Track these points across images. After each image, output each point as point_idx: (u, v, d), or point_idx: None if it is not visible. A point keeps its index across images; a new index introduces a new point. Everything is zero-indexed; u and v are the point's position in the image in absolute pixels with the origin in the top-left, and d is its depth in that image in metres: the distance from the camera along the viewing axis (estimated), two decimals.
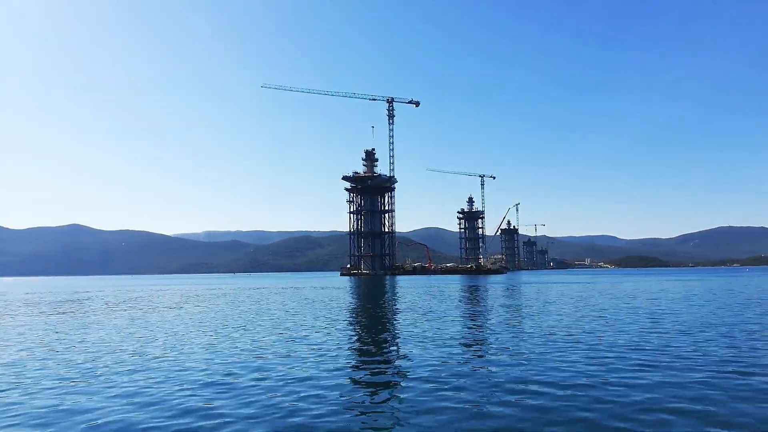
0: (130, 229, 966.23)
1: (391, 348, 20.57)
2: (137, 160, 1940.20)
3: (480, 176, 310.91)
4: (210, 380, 14.85)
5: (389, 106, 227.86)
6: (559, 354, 18.17)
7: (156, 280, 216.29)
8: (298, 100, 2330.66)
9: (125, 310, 43.06)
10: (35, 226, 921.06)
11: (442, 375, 14.92)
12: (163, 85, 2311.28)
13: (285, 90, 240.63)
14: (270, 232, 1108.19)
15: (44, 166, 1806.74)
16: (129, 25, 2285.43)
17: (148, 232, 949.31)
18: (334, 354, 19.07)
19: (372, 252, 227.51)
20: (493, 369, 15.77)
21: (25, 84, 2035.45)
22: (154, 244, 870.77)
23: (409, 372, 15.51)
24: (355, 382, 14.54)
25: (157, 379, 15.12)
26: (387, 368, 16.38)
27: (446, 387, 13.47)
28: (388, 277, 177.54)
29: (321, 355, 18.69)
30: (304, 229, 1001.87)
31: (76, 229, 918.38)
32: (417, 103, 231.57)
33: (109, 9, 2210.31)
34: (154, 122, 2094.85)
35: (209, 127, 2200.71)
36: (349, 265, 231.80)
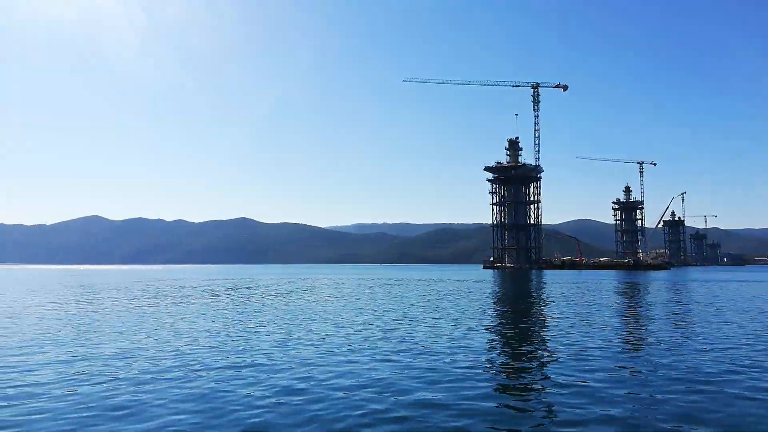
0: (289, 221, 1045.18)
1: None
2: (297, 158, 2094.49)
3: (638, 163, 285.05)
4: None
5: (534, 92, 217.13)
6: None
7: (313, 270, 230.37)
8: (438, 92, 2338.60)
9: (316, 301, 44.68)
10: (210, 219, 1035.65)
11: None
12: (319, 84, 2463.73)
13: (426, 83, 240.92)
14: (415, 224, 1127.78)
15: (217, 168, 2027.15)
16: (292, 30, 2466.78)
17: (305, 225, 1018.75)
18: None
19: (516, 245, 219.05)
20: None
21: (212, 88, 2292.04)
22: (309, 236, 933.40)
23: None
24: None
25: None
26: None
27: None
28: (534, 271, 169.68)
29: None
30: (447, 222, 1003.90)
31: (243, 222, 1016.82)
32: (565, 87, 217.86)
33: (276, 12, 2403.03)
34: (308, 123, 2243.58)
35: (357, 124, 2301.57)
36: (492, 258, 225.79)
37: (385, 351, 19.46)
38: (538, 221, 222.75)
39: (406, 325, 27.28)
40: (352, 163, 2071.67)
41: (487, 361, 17.86)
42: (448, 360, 17.64)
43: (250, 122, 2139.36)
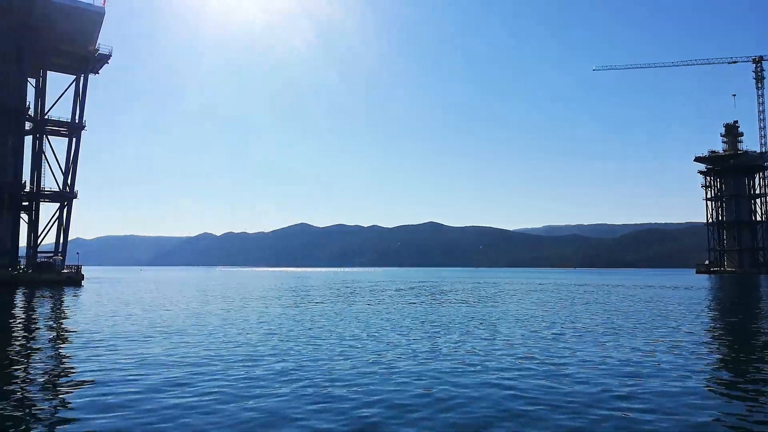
0: (476, 225, 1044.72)
1: None
2: (482, 159, 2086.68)
3: None
4: None
5: (756, 67, 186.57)
6: None
7: (499, 274, 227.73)
8: (632, 78, 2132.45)
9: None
10: (401, 224, 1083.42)
11: None
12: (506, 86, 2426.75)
13: (620, 69, 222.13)
14: (613, 225, 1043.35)
15: (407, 174, 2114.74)
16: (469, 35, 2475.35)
17: (492, 228, 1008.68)
18: None
19: (738, 246, 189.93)
20: None
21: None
22: (494, 239, 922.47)
23: None
24: None
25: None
26: None
27: None
28: (763, 277, 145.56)
29: None
30: (651, 221, 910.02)
31: (432, 227, 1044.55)
32: None
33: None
34: (491, 121, 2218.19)
35: (544, 119, 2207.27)
36: (707, 261, 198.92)
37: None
38: (766, 217, 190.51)
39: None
40: (542, 162, 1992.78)
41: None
42: None
43: (434, 125, 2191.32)
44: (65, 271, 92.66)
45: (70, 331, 27.68)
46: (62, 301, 50.55)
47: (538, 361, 18.62)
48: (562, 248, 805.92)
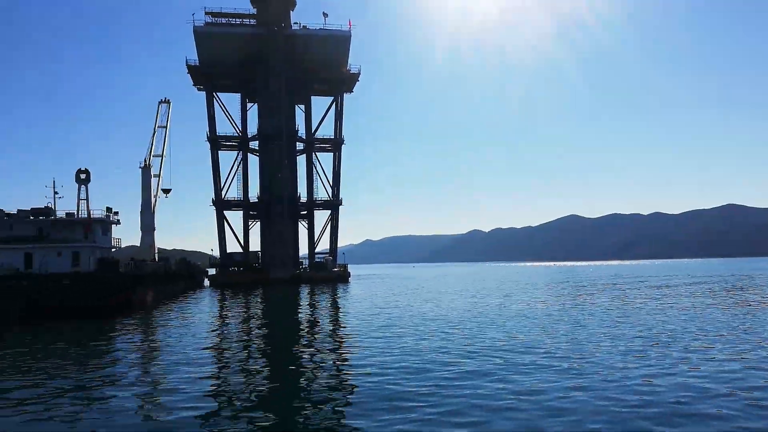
0: None
1: None
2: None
3: None
4: None
5: None
6: None
7: None
8: None
9: None
10: (690, 209, 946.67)
11: None
12: None
13: None
14: None
15: (696, 154, 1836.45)
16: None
17: None
18: None
19: None
20: None
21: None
22: None
23: None
24: None
25: None
26: None
27: None
28: None
29: None
30: None
31: (729, 210, 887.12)
32: None
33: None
34: None
35: None
36: None
37: None
38: None
39: None
40: None
41: None
42: None
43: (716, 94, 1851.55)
44: (335, 269, 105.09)
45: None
46: (336, 294, 66.85)
47: None
48: None
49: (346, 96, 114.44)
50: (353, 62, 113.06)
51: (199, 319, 41.41)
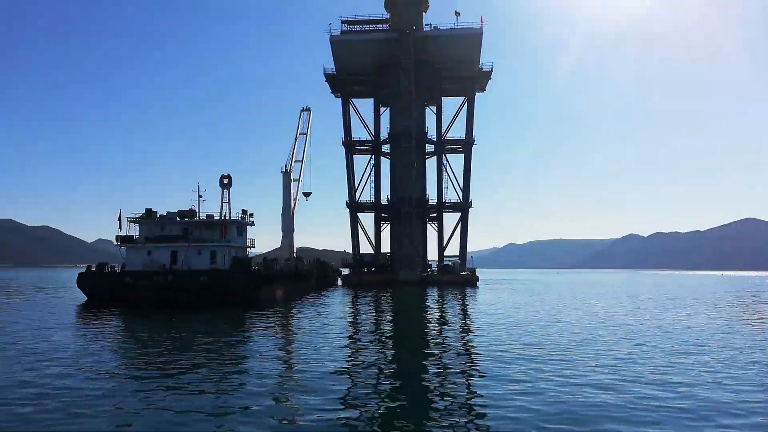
0: None
1: None
2: None
3: None
4: None
5: None
6: None
7: None
8: None
9: None
10: None
11: None
12: None
13: None
14: None
15: None
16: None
17: None
18: None
19: None
20: None
21: None
22: None
23: None
24: None
25: None
26: None
27: None
28: None
29: None
30: None
31: None
32: None
33: None
34: None
35: None
36: None
37: None
38: None
39: None
40: None
41: None
42: None
43: None
44: (463, 273, 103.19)
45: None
46: (464, 298, 65.75)
47: None
48: None
49: (477, 95, 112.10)
50: (485, 60, 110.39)
51: (325, 316, 43.00)
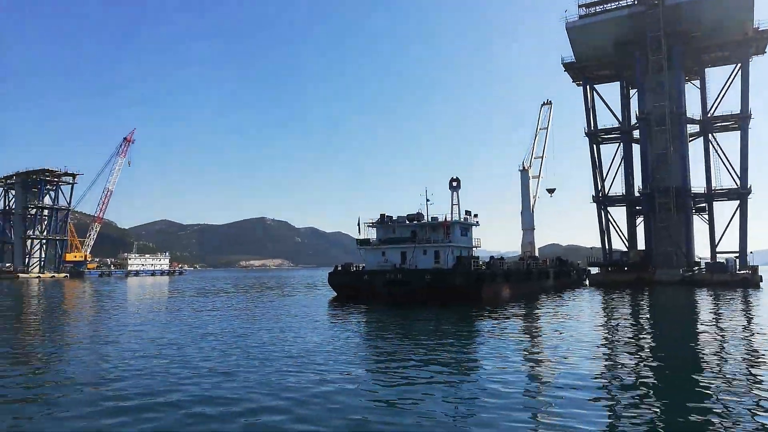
0: None
1: None
2: None
3: None
4: None
5: None
6: None
7: None
8: None
9: None
10: None
11: None
12: None
13: None
14: None
15: None
16: None
17: None
18: None
19: None
20: None
21: None
22: None
23: None
24: None
25: None
26: None
27: None
28: None
29: None
30: None
31: None
32: None
33: None
34: None
35: None
36: None
37: None
38: None
39: None
40: None
41: None
42: None
43: None
44: (741, 272, 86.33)
45: None
46: (749, 302, 52.26)
47: None
48: None
49: (753, 60, 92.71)
50: (760, 18, 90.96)
51: (545, 318, 39.60)
